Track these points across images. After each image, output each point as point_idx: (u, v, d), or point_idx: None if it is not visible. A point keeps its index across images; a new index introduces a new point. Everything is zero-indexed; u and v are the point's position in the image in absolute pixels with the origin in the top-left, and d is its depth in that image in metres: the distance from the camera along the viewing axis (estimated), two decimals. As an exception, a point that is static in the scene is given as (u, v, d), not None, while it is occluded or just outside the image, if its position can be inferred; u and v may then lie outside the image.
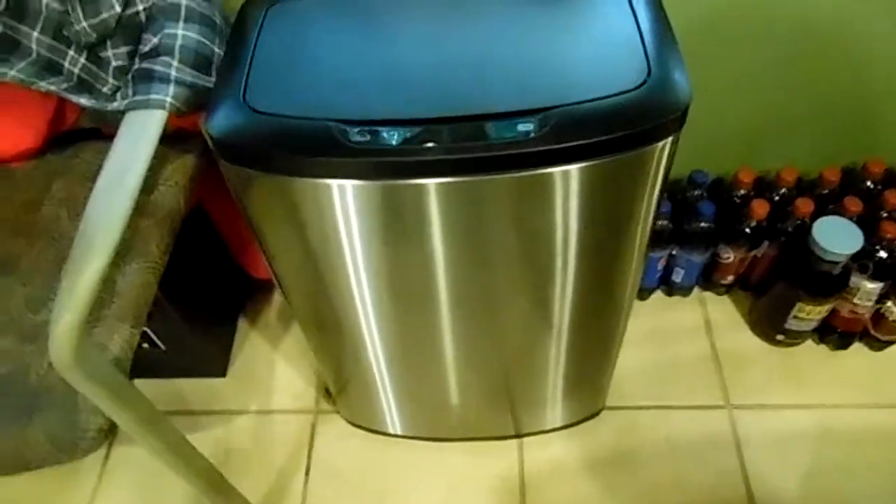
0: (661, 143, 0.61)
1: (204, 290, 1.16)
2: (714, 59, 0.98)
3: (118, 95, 0.68)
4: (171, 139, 0.82)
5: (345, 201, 0.63)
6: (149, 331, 1.08)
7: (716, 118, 1.07)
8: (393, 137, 0.58)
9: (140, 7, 0.67)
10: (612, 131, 0.58)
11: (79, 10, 0.65)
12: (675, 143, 0.63)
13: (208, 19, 0.70)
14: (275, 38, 0.69)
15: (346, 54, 0.67)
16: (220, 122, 0.62)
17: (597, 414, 1.12)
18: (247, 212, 0.70)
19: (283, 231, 0.71)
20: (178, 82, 0.67)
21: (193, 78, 0.68)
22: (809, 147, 1.12)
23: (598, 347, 0.96)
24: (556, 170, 0.60)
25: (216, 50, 0.70)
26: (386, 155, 0.58)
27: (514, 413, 1.07)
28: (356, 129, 0.58)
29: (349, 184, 0.61)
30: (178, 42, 0.67)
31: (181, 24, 0.68)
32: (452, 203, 0.64)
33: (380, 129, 0.58)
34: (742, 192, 1.12)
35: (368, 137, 0.58)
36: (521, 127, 0.58)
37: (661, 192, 0.68)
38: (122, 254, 0.75)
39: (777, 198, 1.12)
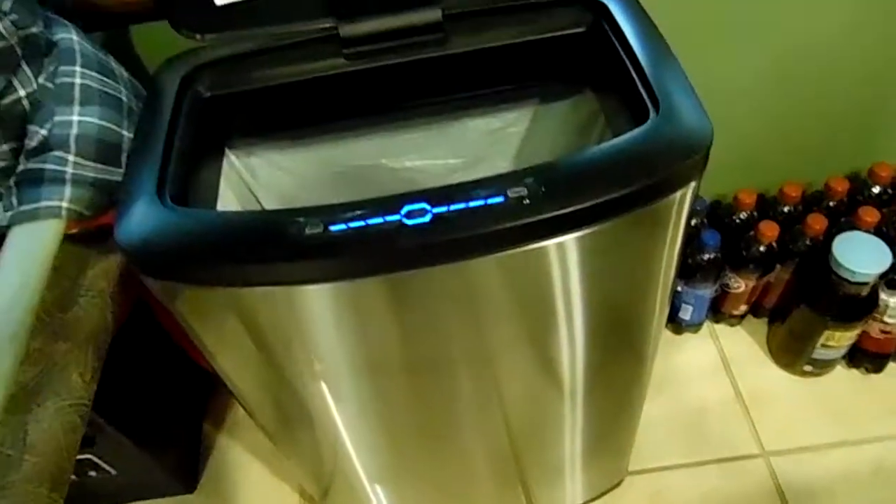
0: (683, 190, 0.49)
1: (153, 397, 1.01)
2: (702, 69, 0.88)
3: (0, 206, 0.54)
4: (91, 238, 0.69)
5: (301, 306, 0.50)
6: (93, 457, 0.92)
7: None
8: (358, 224, 0.45)
9: (21, 93, 0.54)
10: (626, 184, 0.46)
11: (-58, 107, 0.52)
12: (698, 186, 0.51)
13: (112, 98, 0.57)
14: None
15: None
16: (131, 227, 0.48)
17: (620, 482, 0.99)
18: (181, 320, 0.56)
19: (226, 339, 0.57)
20: (77, 181, 0.53)
21: (97, 173, 0.55)
22: (811, 158, 1.03)
23: (619, 412, 0.84)
24: (556, 241, 0.47)
25: (125, 134, 0.57)
26: (354, 249, 0.45)
27: (528, 496, 0.93)
28: (305, 219, 0.46)
29: (307, 288, 0.48)
30: (74, 131, 0.54)
31: (76, 108, 0.55)
32: (436, 292, 0.51)
33: (340, 215, 0.46)
34: (744, 214, 1.02)
35: (321, 228, 0.45)
36: (511, 193, 0.45)
37: (684, 240, 0.57)
38: (34, 392, 0.61)
39: (783, 216, 1.02)
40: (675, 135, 0.48)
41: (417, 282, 0.49)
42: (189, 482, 1.06)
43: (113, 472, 0.95)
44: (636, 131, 0.48)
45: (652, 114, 0.50)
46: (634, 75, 0.54)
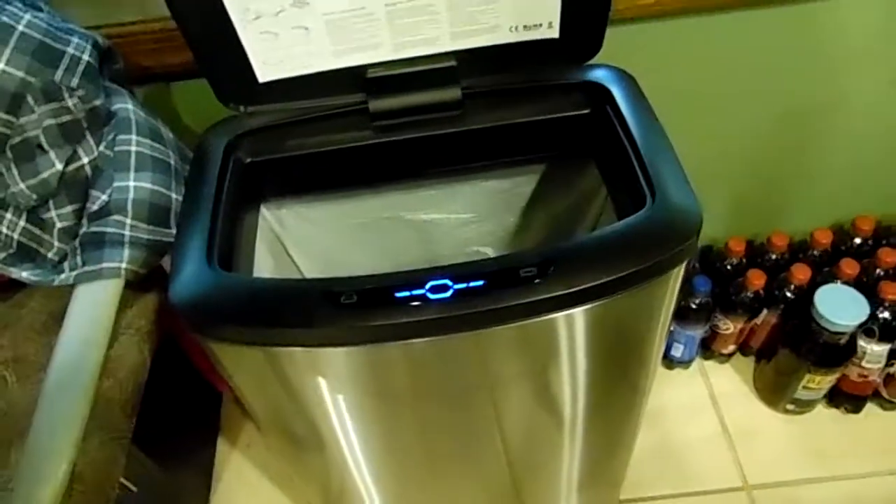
0: (677, 269, 0.56)
1: (173, 417, 1.06)
2: (700, 126, 0.95)
3: (65, 265, 0.60)
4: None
5: (325, 363, 0.56)
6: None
7: (700, 185, 1.04)
8: (387, 297, 0.51)
9: (85, 160, 0.60)
10: (625, 267, 0.52)
11: (14, 172, 0.58)
12: (690, 262, 0.57)
13: (162, 163, 0.63)
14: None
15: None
16: (182, 288, 0.54)
17: (612, 511, 1.05)
18: (213, 359, 0.62)
19: (253, 379, 0.63)
20: (134, 243, 0.59)
21: (150, 234, 0.61)
22: (798, 208, 1.09)
23: (614, 446, 0.90)
24: (560, 315, 0.54)
25: (174, 196, 0.64)
26: (382, 317, 0.51)
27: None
28: (339, 290, 0.52)
29: (337, 350, 0.54)
30: (131, 196, 0.60)
31: (132, 174, 0.61)
32: (451, 352, 0.57)
33: (371, 288, 0.52)
34: (734, 261, 1.08)
35: (355, 299, 0.51)
36: (524, 273, 0.52)
37: (676, 306, 0.63)
38: (82, 426, 0.67)
39: (771, 263, 1.08)
40: (670, 222, 0.54)
41: (435, 345, 0.55)
42: (203, 499, 1.11)
43: (134, 489, 1.01)
44: (634, 218, 0.54)
45: (649, 200, 0.56)
46: (633, 160, 0.60)
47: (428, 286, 0.51)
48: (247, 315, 0.52)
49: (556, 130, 0.69)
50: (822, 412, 1.13)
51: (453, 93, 0.66)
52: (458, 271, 0.52)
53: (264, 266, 0.72)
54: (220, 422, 1.21)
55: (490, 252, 0.87)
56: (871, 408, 1.12)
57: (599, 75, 0.68)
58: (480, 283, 0.51)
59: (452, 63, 0.64)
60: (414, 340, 0.53)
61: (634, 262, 0.52)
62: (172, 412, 1.06)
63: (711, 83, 0.90)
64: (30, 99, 0.57)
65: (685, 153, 0.59)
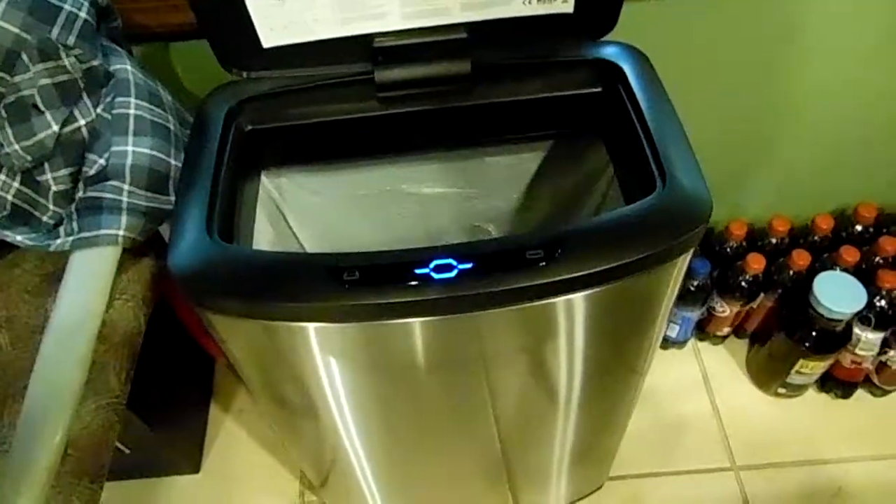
0: (684, 256, 0.55)
1: (166, 381, 1.06)
2: (705, 101, 0.93)
3: (62, 230, 0.59)
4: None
5: (329, 341, 0.56)
6: (111, 439, 0.97)
7: (704, 166, 1.03)
8: (391, 275, 0.51)
9: (82, 122, 0.58)
10: (632, 253, 0.51)
11: (8, 131, 0.56)
12: (697, 250, 0.57)
13: (161, 128, 0.62)
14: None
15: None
16: (182, 258, 0.53)
17: (600, 487, 1.07)
18: (210, 328, 0.61)
19: (253, 356, 0.63)
20: (131, 210, 0.58)
21: (148, 202, 0.60)
22: (799, 194, 1.09)
23: (608, 424, 0.91)
24: (563, 298, 0.53)
25: (172, 162, 0.62)
26: (385, 296, 0.50)
27: (515, 497, 1.00)
28: (343, 267, 0.51)
29: (336, 326, 0.53)
30: (129, 161, 0.58)
31: (130, 138, 0.59)
32: (451, 331, 0.57)
33: (375, 265, 0.51)
34: (734, 244, 1.08)
35: (358, 276, 0.51)
36: (529, 255, 0.51)
37: (678, 293, 0.63)
38: (76, 392, 0.66)
39: (771, 247, 1.08)
40: (680, 208, 0.53)
41: (436, 324, 0.55)
42: (195, 463, 1.12)
43: (126, 451, 1.01)
44: (643, 203, 0.53)
45: (658, 184, 0.55)
46: (644, 142, 0.59)
47: (432, 265, 0.50)
48: (248, 288, 0.51)
49: (566, 108, 0.67)
50: (813, 397, 1.14)
51: (463, 66, 0.64)
52: (462, 251, 0.51)
53: (263, 235, 0.71)
54: (213, 387, 1.21)
55: (492, 228, 0.86)
56: (861, 394, 1.13)
57: (612, 53, 0.66)
58: (485, 263, 0.51)
59: (463, 35, 0.63)
60: (415, 319, 0.53)
61: (642, 248, 0.51)
62: (166, 376, 1.06)
63: (724, 62, 0.88)
64: (24, 56, 0.55)
65: (691, 132, 0.58)
